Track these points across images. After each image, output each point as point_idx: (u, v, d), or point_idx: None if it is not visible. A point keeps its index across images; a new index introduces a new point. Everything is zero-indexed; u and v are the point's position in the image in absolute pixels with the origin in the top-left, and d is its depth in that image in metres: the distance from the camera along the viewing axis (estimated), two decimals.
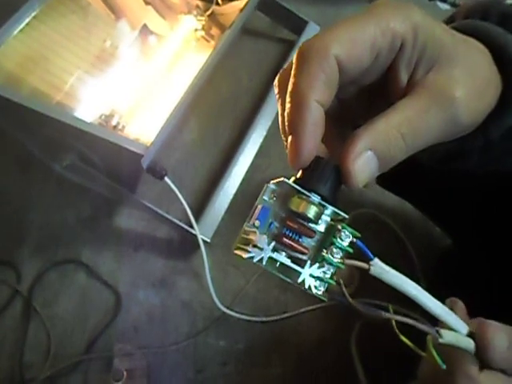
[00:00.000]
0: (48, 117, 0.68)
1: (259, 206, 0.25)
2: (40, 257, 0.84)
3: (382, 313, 0.25)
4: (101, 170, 0.77)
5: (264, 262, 0.24)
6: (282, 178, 0.25)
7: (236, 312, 0.76)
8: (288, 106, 0.23)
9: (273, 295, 0.81)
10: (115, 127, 0.84)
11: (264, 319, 0.78)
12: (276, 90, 0.26)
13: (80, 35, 0.95)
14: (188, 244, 0.84)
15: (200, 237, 0.76)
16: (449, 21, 0.33)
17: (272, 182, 0.25)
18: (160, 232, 0.87)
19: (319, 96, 0.23)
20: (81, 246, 0.85)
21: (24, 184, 0.92)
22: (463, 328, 0.27)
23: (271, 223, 0.25)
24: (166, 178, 0.71)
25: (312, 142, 0.23)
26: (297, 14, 1.13)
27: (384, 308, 0.26)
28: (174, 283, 0.83)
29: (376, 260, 0.25)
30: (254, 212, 0.25)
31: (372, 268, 0.24)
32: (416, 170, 0.36)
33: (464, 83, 0.24)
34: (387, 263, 0.25)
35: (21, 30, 0.82)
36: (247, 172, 0.91)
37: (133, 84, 0.94)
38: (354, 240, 0.24)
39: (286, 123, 0.24)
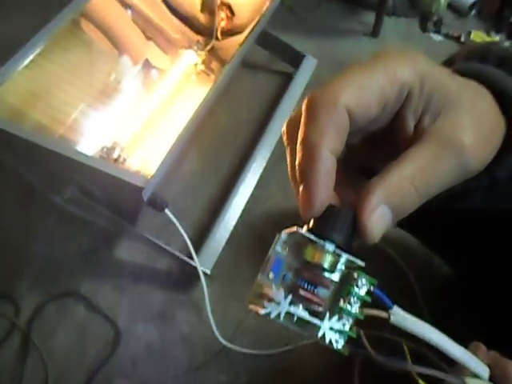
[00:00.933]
0: (49, 150, 0.69)
1: (272, 258, 0.24)
2: (39, 290, 0.84)
3: (407, 365, 0.24)
4: (101, 202, 0.78)
5: (282, 318, 0.23)
6: (294, 228, 0.24)
7: (237, 345, 0.75)
8: (299, 155, 0.23)
9: (274, 327, 0.80)
10: (116, 160, 0.85)
11: (265, 352, 0.77)
12: (284, 138, 0.26)
13: (83, 70, 0.97)
14: (188, 276, 0.84)
15: (200, 269, 0.76)
16: (448, 62, 0.34)
17: (284, 231, 0.24)
18: (160, 264, 0.87)
19: (330, 145, 0.23)
20: (80, 278, 0.85)
21: (24, 216, 0.92)
22: (485, 372, 0.27)
23: (285, 274, 0.24)
24: (167, 210, 0.72)
25: (325, 192, 0.23)
26: (294, 47, 1.16)
27: (397, 343, 0.25)
28: (174, 316, 0.82)
29: (395, 308, 0.24)
30: (267, 263, 0.24)
31: (392, 317, 0.24)
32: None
33: (471, 129, 0.24)
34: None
35: (25, 66, 0.84)
36: (247, 203, 0.92)
37: (134, 117, 0.95)
38: (371, 288, 0.23)
39: (297, 173, 0.24)
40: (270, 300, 0.23)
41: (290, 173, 0.26)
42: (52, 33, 0.87)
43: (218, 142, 1.05)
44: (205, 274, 0.77)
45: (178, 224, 0.72)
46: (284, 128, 0.26)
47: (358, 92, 0.23)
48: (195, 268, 0.76)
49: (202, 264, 0.78)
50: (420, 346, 0.25)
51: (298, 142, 0.23)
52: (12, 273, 0.86)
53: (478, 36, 1.32)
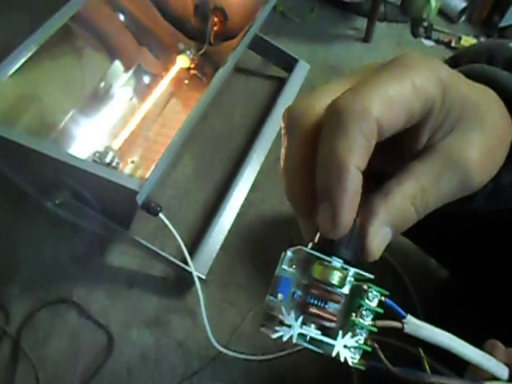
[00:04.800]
0: (41, 154, 0.68)
1: (279, 277, 0.23)
2: (30, 296, 0.82)
3: (425, 377, 0.24)
4: (94, 207, 0.77)
5: (294, 340, 0.22)
6: (299, 246, 0.23)
7: (233, 351, 0.74)
8: (323, 171, 0.22)
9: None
10: (109, 164, 0.84)
11: (262, 357, 0.76)
12: (286, 127, 0.24)
13: (75, 75, 0.97)
14: (182, 281, 0.83)
15: (195, 273, 0.75)
16: (451, 62, 0.33)
17: (289, 249, 0.24)
18: (154, 269, 0.86)
19: (359, 162, 0.21)
20: (73, 284, 0.84)
21: (15, 221, 0.91)
22: (504, 372, 0.26)
23: (294, 292, 0.23)
24: (161, 215, 0.71)
25: (353, 212, 0.22)
26: (287, 52, 1.16)
27: (414, 355, 0.25)
28: (169, 322, 0.81)
29: (409, 317, 0.23)
30: (274, 284, 0.23)
31: (406, 326, 0.23)
32: None
33: (480, 147, 0.24)
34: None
35: (16, 71, 0.83)
36: (241, 207, 0.91)
37: (127, 121, 0.94)
38: (383, 299, 0.23)
39: (319, 189, 0.22)
40: (281, 322, 0.22)
41: (284, 165, 0.24)
42: (43, 37, 0.86)
43: (212, 146, 1.05)
44: (200, 278, 0.76)
45: (172, 228, 0.72)
46: (286, 117, 0.24)
47: (387, 105, 0.21)
48: (190, 273, 0.75)
49: (197, 269, 0.77)
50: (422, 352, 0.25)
51: (323, 154, 0.22)
52: (2, 279, 0.84)
53: (468, 41, 1.33)
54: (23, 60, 0.84)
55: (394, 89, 0.21)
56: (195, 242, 0.87)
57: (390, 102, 0.21)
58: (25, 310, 0.81)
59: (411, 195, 0.23)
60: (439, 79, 0.22)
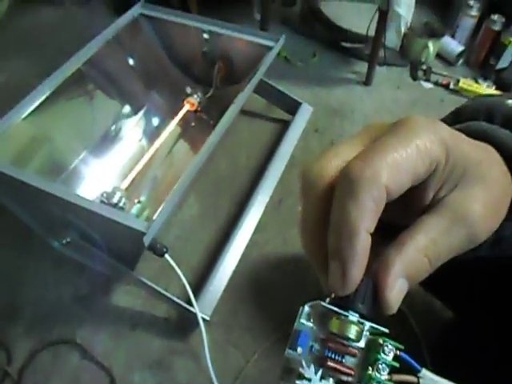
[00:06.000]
0: (50, 194, 0.69)
1: (298, 331, 0.24)
2: (33, 336, 0.82)
3: None
4: (101, 247, 0.78)
5: None
6: (317, 301, 0.24)
7: None
8: (336, 233, 0.23)
9: (274, 375, 0.78)
10: (116, 204, 0.85)
11: None
12: (303, 189, 0.25)
13: (86, 118, 1.00)
14: (186, 322, 0.83)
15: (199, 315, 0.75)
16: (452, 118, 0.35)
17: (307, 304, 0.25)
18: (158, 310, 0.86)
19: (368, 225, 0.23)
20: (76, 324, 0.83)
21: (21, 260, 0.91)
22: None
23: (312, 346, 0.24)
24: (167, 256, 0.71)
25: (361, 272, 0.23)
26: (291, 95, 1.20)
27: None
28: (172, 364, 0.80)
29: (424, 371, 0.24)
30: (293, 337, 0.24)
31: (422, 381, 0.24)
32: None
33: (484, 202, 0.25)
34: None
35: (30, 113, 0.86)
36: (246, 248, 0.92)
37: (135, 162, 0.96)
38: (398, 353, 0.23)
39: (331, 249, 0.24)
40: (301, 376, 0.23)
41: (301, 224, 0.26)
42: (58, 81, 0.90)
43: (217, 187, 1.06)
44: (204, 320, 0.76)
45: (177, 269, 0.72)
46: (302, 180, 0.26)
47: (395, 171, 0.23)
48: (194, 314, 0.75)
49: (201, 310, 0.77)
50: None
51: (335, 218, 0.23)
52: (5, 318, 0.84)
53: (466, 83, 1.37)
54: (37, 103, 0.88)
55: (401, 154, 0.23)
56: (199, 283, 0.87)
57: (397, 167, 0.23)
58: (27, 351, 0.80)
59: (423, 247, 0.24)
60: (442, 140, 0.24)
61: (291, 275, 0.89)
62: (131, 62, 1.09)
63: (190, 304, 0.76)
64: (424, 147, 0.23)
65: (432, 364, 0.25)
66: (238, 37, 1.02)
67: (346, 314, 0.23)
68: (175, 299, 0.80)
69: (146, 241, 0.66)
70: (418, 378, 0.24)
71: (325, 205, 0.24)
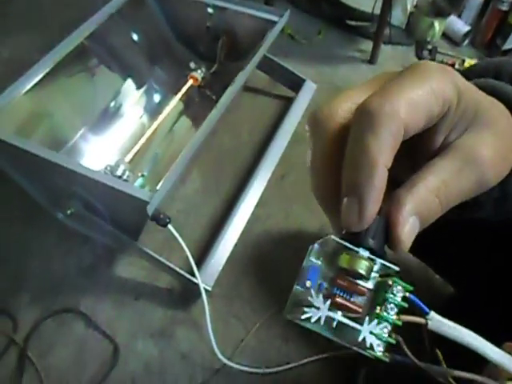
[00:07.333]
0: (55, 164, 0.70)
1: (307, 267, 0.24)
2: (38, 305, 0.83)
3: (449, 371, 0.24)
4: (105, 217, 0.78)
5: (322, 322, 0.23)
6: (327, 236, 0.24)
7: (237, 363, 0.75)
8: (354, 168, 0.23)
9: (274, 346, 0.80)
10: (120, 177, 0.86)
11: (266, 371, 0.76)
12: (311, 129, 0.26)
13: (87, 92, 1.00)
14: (188, 293, 0.84)
15: (202, 285, 0.76)
16: (462, 76, 0.35)
17: (317, 242, 0.25)
18: (160, 281, 0.87)
19: (387, 160, 0.23)
20: (80, 294, 0.85)
21: (25, 231, 0.92)
22: None
23: (320, 284, 0.24)
24: (170, 226, 0.72)
25: (378, 206, 0.23)
26: (295, 72, 1.19)
27: (436, 356, 0.25)
28: (174, 333, 0.81)
29: (432, 313, 0.24)
30: (302, 274, 0.24)
31: (430, 323, 0.24)
32: None
33: (493, 146, 0.26)
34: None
35: (31, 88, 0.86)
36: (248, 222, 0.93)
37: (138, 137, 0.97)
38: (407, 294, 0.24)
39: (347, 184, 0.24)
40: (310, 306, 0.23)
41: (311, 165, 0.26)
42: (60, 55, 0.90)
43: (220, 162, 1.07)
44: (206, 290, 0.77)
45: (180, 239, 0.73)
46: (312, 120, 0.26)
47: (412, 108, 0.23)
48: (196, 285, 0.77)
49: (203, 281, 0.78)
50: None
51: (353, 152, 0.23)
52: (10, 288, 0.86)
53: (472, 64, 1.36)
54: (39, 77, 0.87)
55: (417, 93, 0.23)
56: (201, 255, 0.88)
57: (414, 105, 0.23)
58: (32, 319, 0.82)
59: (435, 188, 0.25)
60: (454, 83, 0.24)
61: (292, 249, 0.90)
62: (134, 36, 1.08)
63: (193, 275, 0.77)
64: (438, 88, 0.24)
65: (433, 339, 0.25)
66: (242, 11, 1.01)
67: (356, 249, 0.23)
68: (178, 270, 0.81)
69: (150, 210, 0.67)
70: (426, 319, 0.24)
71: (336, 144, 0.25)
